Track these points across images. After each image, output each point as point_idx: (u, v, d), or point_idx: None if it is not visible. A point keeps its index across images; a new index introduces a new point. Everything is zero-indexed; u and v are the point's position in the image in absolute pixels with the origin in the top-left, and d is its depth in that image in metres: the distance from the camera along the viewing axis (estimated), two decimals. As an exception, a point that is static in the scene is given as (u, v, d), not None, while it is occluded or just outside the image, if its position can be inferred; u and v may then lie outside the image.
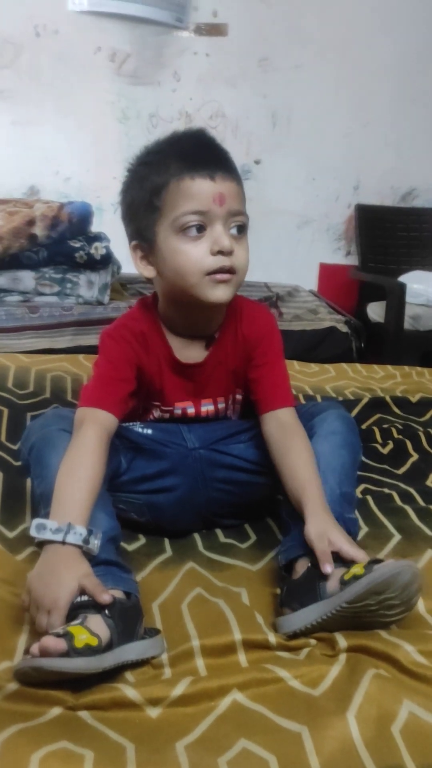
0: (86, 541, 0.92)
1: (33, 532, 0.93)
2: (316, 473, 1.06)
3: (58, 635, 0.79)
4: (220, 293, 1.07)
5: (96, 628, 0.83)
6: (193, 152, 1.07)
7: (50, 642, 0.78)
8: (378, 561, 0.90)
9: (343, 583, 0.90)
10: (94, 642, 0.80)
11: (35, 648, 0.78)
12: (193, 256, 1.05)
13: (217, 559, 1.13)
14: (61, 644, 0.78)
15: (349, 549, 0.94)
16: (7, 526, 1.15)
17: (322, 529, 0.97)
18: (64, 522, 0.92)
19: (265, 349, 1.19)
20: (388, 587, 0.85)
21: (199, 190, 1.04)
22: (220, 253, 1.04)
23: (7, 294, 2.61)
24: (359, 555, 0.94)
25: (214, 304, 1.09)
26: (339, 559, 0.95)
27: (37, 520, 0.93)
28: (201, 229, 1.05)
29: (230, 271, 1.06)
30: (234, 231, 1.07)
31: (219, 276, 1.06)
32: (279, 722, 0.77)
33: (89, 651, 0.79)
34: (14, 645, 0.89)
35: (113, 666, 0.82)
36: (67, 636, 0.79)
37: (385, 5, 3.39)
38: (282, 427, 1.12)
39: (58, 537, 0.91)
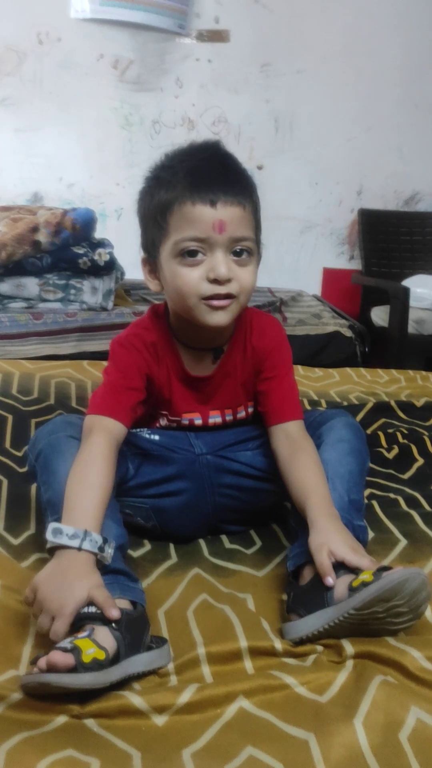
0: (101, 549, 0.92)
1: (49, 536, 0.92)
2: (322, 483, 1.05)
3: (65, 650, 0.78)
4: (218, 318, 1.06)
5: (103, 641, 0.82)
6: (199, 174, 1.04)
7: (58, 657, 0.77)
8: (386, 568, 0.90)
9: (351, 590, 0.89)
10: (101, 656, 0.79)
11: (42, 662, 0.77)
12: (188, 280, 1.04)
13: (222, 565, 1.12)
14: (69, 659, 0.77)
15: (352, 558, 0.94)
16: (12, 533, 1.15)
17: (322, 541, 0.96)
18: (78, 529, 0.92)
19: (275, 361, 1.18)
20: (396, 594, 0.85)
21: (199, 217, 1.02)
22: (216, 281, 1.03)
23: (11, 300, 2.61)
24: (363, 563, 0.93)
25: (213, 328, 1.08)
26: (347, 566, 0.94)
27: (53, 525, 0.92)
28: (199, 254, 1.03)
29: (228, 296, 1.05)
30: (236, 255, 1.05)
31: (215, 302, 1.05)
32: (286, 729, 0.76)
33: (97, 665, 0.78)
34: (19, 653, 0.88)
35: (120, 679, 0.81)
36: (75, 651, 0.78)
37: (387, 10, 3.39)
38: (290, 439, 1.13)
39: (75, 543, 0.90)
